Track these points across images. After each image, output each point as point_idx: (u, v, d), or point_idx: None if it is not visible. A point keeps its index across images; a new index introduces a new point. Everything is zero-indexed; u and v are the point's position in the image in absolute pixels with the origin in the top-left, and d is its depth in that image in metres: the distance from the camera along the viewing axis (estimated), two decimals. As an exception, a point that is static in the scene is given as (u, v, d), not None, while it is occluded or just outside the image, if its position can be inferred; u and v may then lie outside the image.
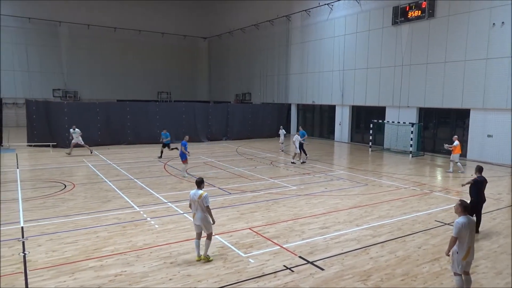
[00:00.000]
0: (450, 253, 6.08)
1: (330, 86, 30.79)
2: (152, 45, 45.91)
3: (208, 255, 7.63)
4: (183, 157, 15.81)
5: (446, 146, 18.08)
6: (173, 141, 22.59)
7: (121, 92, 44.06)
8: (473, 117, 21.16)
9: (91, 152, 21.59)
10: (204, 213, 7.52)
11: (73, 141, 21.24)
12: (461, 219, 5.98)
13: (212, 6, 47.97)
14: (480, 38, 20.43)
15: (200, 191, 7.56)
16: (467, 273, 6.16)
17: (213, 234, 9.01)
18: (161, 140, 20.50)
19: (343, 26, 29.26)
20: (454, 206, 6.30)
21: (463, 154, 21.75)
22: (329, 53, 30.63)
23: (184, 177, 15.56)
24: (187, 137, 16.62)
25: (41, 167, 17.52)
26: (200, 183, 7.69)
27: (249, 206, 11.53)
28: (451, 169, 17.68)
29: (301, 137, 19.58)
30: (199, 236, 7.69)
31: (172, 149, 20.60)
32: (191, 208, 7.70)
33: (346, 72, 29.16)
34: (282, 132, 24.55)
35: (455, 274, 6.14)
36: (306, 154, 20.40)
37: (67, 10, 40.09)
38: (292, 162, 19.51)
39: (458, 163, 17.32)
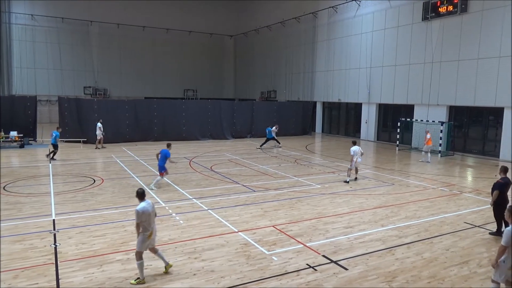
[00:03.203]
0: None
1: (356, 83, 30.32)
2: (179, 43, 46.55)
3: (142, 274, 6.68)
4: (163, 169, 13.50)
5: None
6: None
7: (149, 89, 44.99)
8: (507, 116, 20.33)
9: (96, 148, 22.44)
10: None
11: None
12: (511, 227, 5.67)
13: (238, 4, 48.15)
14: (515, 34, 19.60)
15: (150, 201, 6.91)
16: (510, 283, 5.77)
17: (237, 231, 9.12)
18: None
19: (371, 22, 28.71)
20: (505, 213, 6.00)
21: (496, 155, 21.03)
22: (356, 50, 30.15)
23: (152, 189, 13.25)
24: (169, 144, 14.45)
25: (72, 162, 18.12)
26: (144, 194, 6.89)
27: (272, 204, 11.54)
28: (429, 159, 19.56)
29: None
30: (142, 255, 6.71)
31: None
32: (144, 227, 6.66)
33: (374, 69, 28.63)
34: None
35: (494, 281, 5.81)
36: (278, 142, 24.35)
37: (98, 10, 41.21)
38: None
39: (428, 154, 19.66)
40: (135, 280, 6.57)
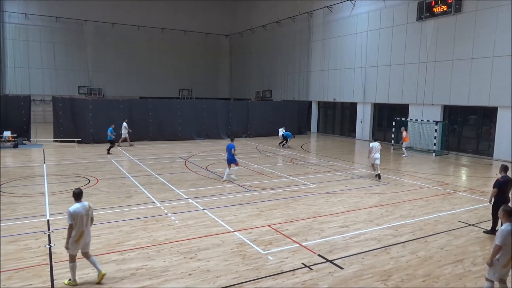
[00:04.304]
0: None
1: (351, 83, 30.41)
2: (175, 43, 46.42)
3: (73, 279, 6.51)
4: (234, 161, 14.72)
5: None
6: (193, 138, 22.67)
7: (144, 89, 44.82)
8: (501, 115, 20.48)
9: (118, 146, 22.78)
10: (90, 227, 6.72)
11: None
12: (506, 227, 5.71)
13: (234, 3, 48.13)
14: (509, 34, 19.71)
15: (86, 203, 6.67)
16: (504, 282, 5.88)
17: (233, 230, 9.12)
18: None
19: (366, 22, 28.81)
20: (499, 213, 6.06)
21: (490, 154, 21.19)
22: (351, 50, 30.24)
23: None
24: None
25: (67, 162, 18.03)
26: (80, 195, 6.67)
27: (268, 204, 11.55)
28: (406, 154, 21.40)
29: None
30: (75, 258, 6.54)
31: None
32: (73, 229, 6.44)
33: (369, 69, 28.73)
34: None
35: (488, 280, 5.87)
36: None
37: (92, 9, 40.99)
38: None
39: (404, 149, 21.59)
40: (68, 280, 6.50)
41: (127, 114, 25.55)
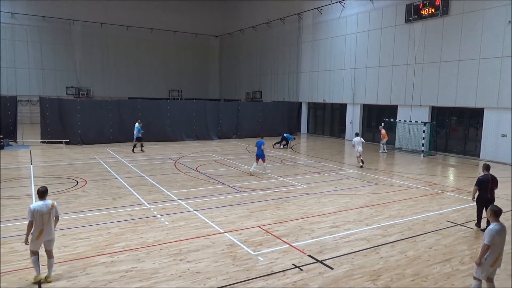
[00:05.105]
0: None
1: (341, 84, 30.60)
2: (164, 43, 46.18)
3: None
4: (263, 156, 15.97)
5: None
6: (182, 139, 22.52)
7: (133, 90, 44.49)
8: (487, 116, 20.82)
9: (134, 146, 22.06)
10: (53, 226, 6.72)
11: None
12: (493, 226, 5.77)
13: (224, 4, 48.06)
14: (495, 36, 20.07)
15: (49, 201, 6.69)
16: (491, 280, 5.97)
17: (223, 231, 9.10)
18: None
19: (355, 24, 29.03)
20: (487, 213, 6.15)
21: (476, 154, 21.51)
22: (341, 51, 30.43)
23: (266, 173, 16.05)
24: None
25: (54, 164, 17.79)
26: (45, 193, 6.71)
27: (258, 204, 11.55)
28: (385, 150, 22.90)
29: None
30: (37, 253, 6.61)
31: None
32: (31, 227, 6.48)
33: (358, 70, 28.94)
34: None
35: (475, 278, 5.93)
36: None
37: (80, 8, 40.56)
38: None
39: (384, 146, 23.05)
40: (34, 277, 6.52)
41: (116, 115, 25.34)
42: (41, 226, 6.51)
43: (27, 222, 6.49)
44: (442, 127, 24.08)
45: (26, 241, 6.49)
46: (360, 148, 17.92)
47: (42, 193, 6.68)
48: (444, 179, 16.28)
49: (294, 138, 26.56)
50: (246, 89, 43.97)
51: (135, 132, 21.51)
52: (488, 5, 20.27)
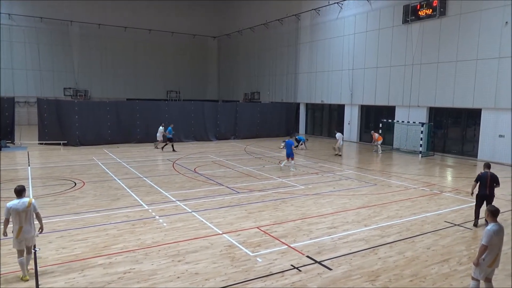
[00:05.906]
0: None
1: (339, 85, 30.64)
2: (162, 44, 46.15)
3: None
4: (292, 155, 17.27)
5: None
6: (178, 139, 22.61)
7: (131, 91, 44.45)
8: (484, 117, 20.88)
9: (157, 147, 23.56)
10: (32, 223, 6.75)
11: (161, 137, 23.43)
12: (491, 227, 5.77)
13: (222, 5, 48.06)
14: (492, 37, 20.14)
15: (26, 199, 6.71)
16: (489, 280, 5.97)
17: (221, 233, 9.09)
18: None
19: (353, 25, 29.08)
20: (485, 213, 6.16)
21: (474, 155, 21.56)
22: (339, 52, 30.48)
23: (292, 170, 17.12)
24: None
25: (52, 165, 17.75)
26: (22, 191, 6.75)
27: (257, 205, 11.54)
28: (380, 151, 23.49)
29: None
30: (23, 252, 6.72)
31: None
32: (7, 224, 6.59)
33: (356, 71, 28.99)
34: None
35: (474, 279, 5.94)
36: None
37: (78, 9, 40.52)
38: None
39: (379, 147, 23.73)
40: (21, 277, 6.64)
41: (114, 116, 25.30)
42: (19, 223, 6.60)
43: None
44: (440, 127, 24.13)
45: (4, 234, 6.73)
46: (341, 142, 22.05)
47: (19, 192, 6.74)
48: (442, 180, 16.31)
49: (307, 139, 26.46)
50: (244, 90, 43.98)
51: (166, 133, 22.65)
52: (485, 6, 20.34)
